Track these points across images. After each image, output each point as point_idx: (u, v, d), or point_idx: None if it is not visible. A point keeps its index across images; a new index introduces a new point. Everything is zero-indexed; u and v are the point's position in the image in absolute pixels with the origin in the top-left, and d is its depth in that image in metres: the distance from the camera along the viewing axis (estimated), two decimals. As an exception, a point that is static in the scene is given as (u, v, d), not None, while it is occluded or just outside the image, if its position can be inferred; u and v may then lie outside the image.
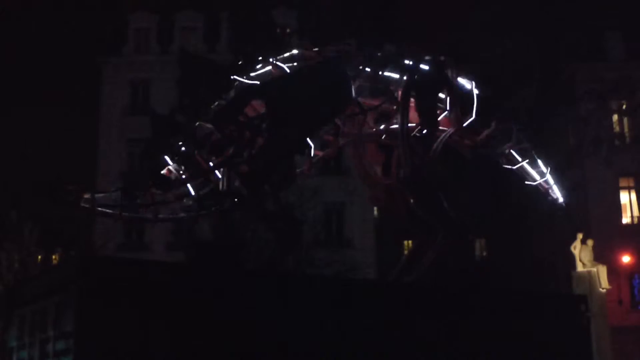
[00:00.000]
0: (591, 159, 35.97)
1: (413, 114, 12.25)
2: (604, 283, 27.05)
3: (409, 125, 12.12)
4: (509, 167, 13.85)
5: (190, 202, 11.55)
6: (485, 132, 13.35)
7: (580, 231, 28.68)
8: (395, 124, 12.31)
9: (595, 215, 38.16)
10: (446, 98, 12.69)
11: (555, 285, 32.87)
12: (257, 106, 11.88)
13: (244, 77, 11.89)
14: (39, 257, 37.77)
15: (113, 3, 46.50)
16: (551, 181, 14.03)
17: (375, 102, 12.55)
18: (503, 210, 34.99)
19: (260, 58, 12.27)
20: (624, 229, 40.01)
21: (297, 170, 11.96)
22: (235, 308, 9.04)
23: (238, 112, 11.48)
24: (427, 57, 12.73)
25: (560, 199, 14.17)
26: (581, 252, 27.92)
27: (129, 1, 45.50)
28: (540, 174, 13.92)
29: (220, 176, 11.14)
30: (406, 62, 12.66)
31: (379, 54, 12.75)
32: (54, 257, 38.73)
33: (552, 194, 14.12)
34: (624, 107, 37.08)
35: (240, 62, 12.24)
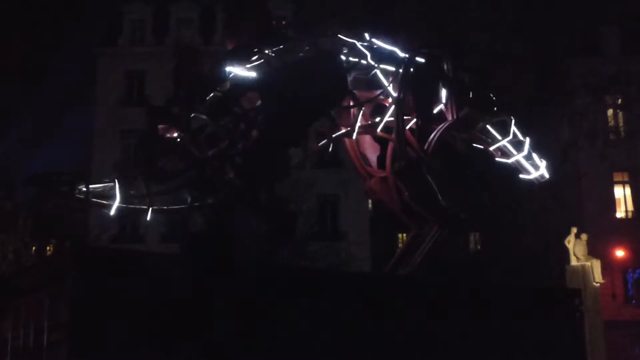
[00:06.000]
0: (586, 153, 36.04)
1: (409, 107, 12.25)
2: (597, 277, 27.15)
3: (405, 118, 12.12)
4: (504, 160, 13.86)
5: (185, 194, 11.54)
6: (481, 125, 13.36)
7: (574, 225, 28.75)
8: (391, 116, 12.31)
9: (589, 210, 38.27)
10: (442, 91, 12.69)
11: (549, 279, 32.96)
12: (253, 98, 11.87)
13: (240, 69, 11.87)
14: (33, 248, 37.77)
15: (108, -6, 46.41)
16: (546, 174, 14.04)
17: (371, 95, 12.54)
18: (497, 204, 35.04)
19: (255, 50, 12.24)
20: (618, 224, 40.16)
21: (292, 162, 11.95)
22: (232, 300, 9.04)
23: (233, 104, 11.46)
24: (423, 50, 12.72)
25: (555, 193, 14.20)
26: (575, 246, 28.01)
27: (125, -8, 45.46)
28: (535, 168, 13.93)
29: (214, 168, 11.12)
30: (402, 54, 12.66)
31: (374, 46, 12.73)
32: (48, 248, 38.73)
33: (545, 187, 14.13)
34: (619, 101, 37.12)
35: (235, 54, 12.22)
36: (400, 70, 12.40)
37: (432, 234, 11.94)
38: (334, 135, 12.19)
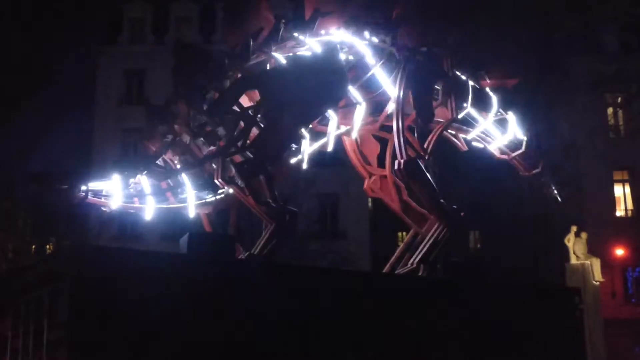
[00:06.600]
0: (586, 152, 36.01)
1: (408, 105, 12.24)
2: (597, 276, 27.08)
3: (404, 116, 12.11)
4: (504, 159, 13.86)
5: (185, 192, 11.54)
6: (481, 124, 13.35)
7: (574, 224, 28.70)
8: (391, 115, 12.30)
9: (589, 208, 38.17)
10: (442, 89, 12.68)
11: (549, 278, 32.93)
12: (252, 96, 11.86)
13: (239, 67, 11.87)
14: (33, 247, 37.75)
15: (108, -8, 46.38)
16: (546, 173, 14.04)
17: (371, 93, 12.53)
18: (497, 202, 35.02)
19: (255, 48, 12.24)
20: (617, 222, 40.08)
21: (292, 161, 11.95)
22: (231, 298, 9.04)
23: (233, 102, 11.46)
24: (422, 48, 12.71)
25: (555, 191, 14.19)
26: (575, 244, 27.94)
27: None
28: (535, 166, 13.93)
29: (214, 166, 11.12)
30: (402, 53, 12.65)
31: (374, 44, 12.73)
32: (48, 247, 38.71)
33: (546, 186, 14.14)
34: (619, 100, 37.07)
35: (235, 52, 12.22)
36: (400, 69, 12.40)
37: (432, 233, 11.93)
38: (334, 134, 12.18)
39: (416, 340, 10.24)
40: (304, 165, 11.89)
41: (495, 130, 13.57)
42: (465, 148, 13.42)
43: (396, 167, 11.84)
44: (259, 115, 11.38)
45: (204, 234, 11.30)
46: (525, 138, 13.70)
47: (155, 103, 12.25)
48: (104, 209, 11.01)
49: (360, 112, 12.35)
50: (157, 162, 11.51)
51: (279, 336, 9.27)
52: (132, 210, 11.32)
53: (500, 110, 13.56)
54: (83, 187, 10.63)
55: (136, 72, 44.24)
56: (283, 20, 12.69)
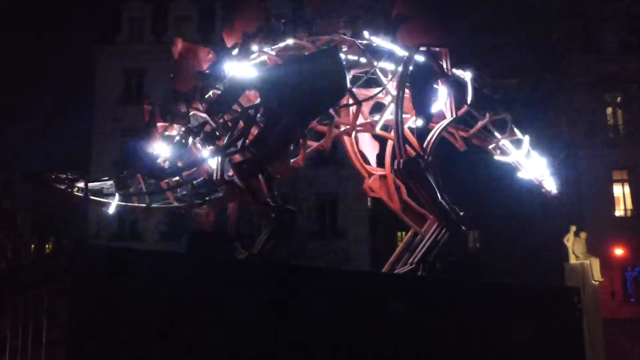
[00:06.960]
0: (585, 152, 36.00)
1: (408, 105, 12.24)
2: (596, 275, 27.07)
3: (404, 116, 12.12)
4: (503, 159, 13.86)
5: (184, 192, 11.54)
6: (480, 124, 13.36)
7: (573, 223, 28.70)
8: (390, 114, 12.31)
9: (588, 208, 38.18)
10: (441, 89, 12.68)
11: (548, 278, 32.93)
12: (251, 96, 11.86)
13: (239, 67, 11.86)
14: (32, 246, 37.80)
15: (107, -8, 46.38)
16: (545, 173, 14.05)
17: (370, 93, 12.54)
18: (496, 202, 35.01)
19: (254, 48, 12.24)
20: (617, 222, 40.09)
21: (291, 160, 11.95)
22: (231, 298, 9.04)
23: (232, 102, 11.46)
24: (422, 48, 12.71)
25: (554, 191, 14.20)
26: (574, 244, 27.93)
27: (124, -10, 45.45)
28: (534, 166, 13.94)
29: (214, 166, 11.12)
30: (401, 52, 12.65)
31: (373, 44, 12.73)
32: (47, 246, 38.77)
33: (546, 186, 14.14)
34: (619, 99, 37.09)
35: (234, 52, 12.23)
36: (400, 68, 12.40)
37: (432, 232, 11.93)
38: (333, 134, 12.18)
39: (416, 340, 10.23)
40: (302, 165, 11.89)
41: (494, 130, 13.58)
42: (464, 147, 13.42)
43: (396, 166, 11.84)
44: (258, 115, 11.38)
45: (204, 233, 11.30)
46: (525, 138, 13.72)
47: (155, 102, 12.25)
48: (103, 209, 11.01)
49: (359, 112, 12.36)
50: (157, 162, 11.51)
51: (279, 336, 9.26)
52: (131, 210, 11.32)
53: (500, 110, 13.56)
54: (82, 187, 10.64)
55: (135, 72, 44.22)
56: (283, 20, 12.70)
